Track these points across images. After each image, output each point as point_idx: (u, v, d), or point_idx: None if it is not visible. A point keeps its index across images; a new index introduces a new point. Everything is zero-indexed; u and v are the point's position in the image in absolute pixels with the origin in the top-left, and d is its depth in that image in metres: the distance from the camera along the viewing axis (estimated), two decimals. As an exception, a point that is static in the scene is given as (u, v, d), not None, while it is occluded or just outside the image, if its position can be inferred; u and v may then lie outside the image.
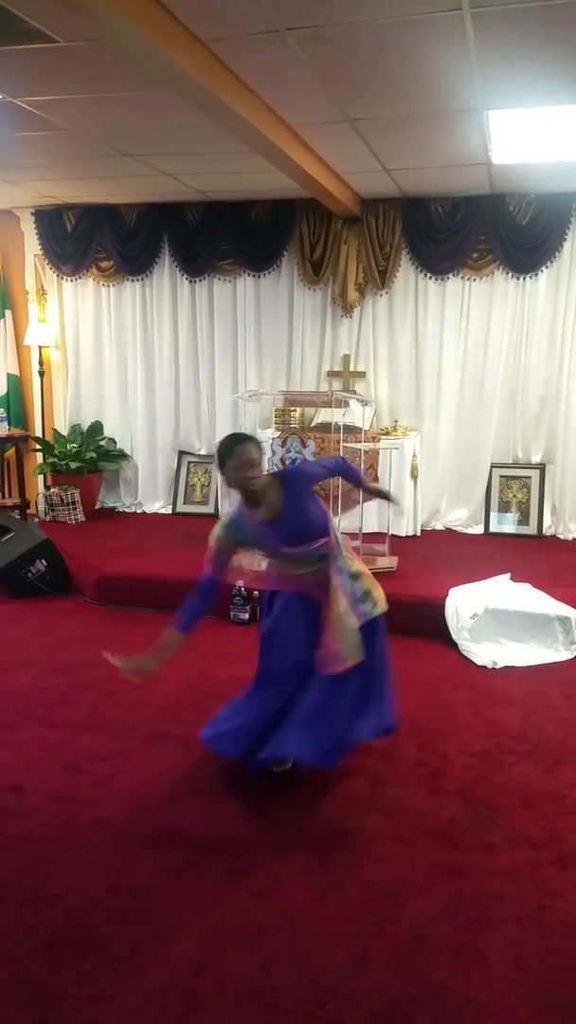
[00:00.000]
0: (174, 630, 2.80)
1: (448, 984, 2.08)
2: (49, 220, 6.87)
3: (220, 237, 6.55)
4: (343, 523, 4.85)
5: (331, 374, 6.67)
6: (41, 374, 7.22)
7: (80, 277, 7.02)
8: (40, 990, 2.06)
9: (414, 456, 6.25)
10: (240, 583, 4.79)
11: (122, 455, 7.20)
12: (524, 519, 6.40)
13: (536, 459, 6.42)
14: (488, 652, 4.32)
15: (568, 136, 4.37)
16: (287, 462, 5.21)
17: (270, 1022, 1.96)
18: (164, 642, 2.79)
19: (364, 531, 5.22)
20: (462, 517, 6.57)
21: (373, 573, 3.08)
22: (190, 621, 2.83)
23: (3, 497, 7.21)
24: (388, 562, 5.11)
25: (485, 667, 4.21)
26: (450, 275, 6.23)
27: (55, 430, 7.21)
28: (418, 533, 6.32)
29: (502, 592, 4.67)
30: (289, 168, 4.69)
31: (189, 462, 7.17)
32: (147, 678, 2.83)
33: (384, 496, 3.47)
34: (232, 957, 2.17)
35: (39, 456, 7.12)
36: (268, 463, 5.28)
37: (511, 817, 2.85)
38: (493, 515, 6.47)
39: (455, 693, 3.89)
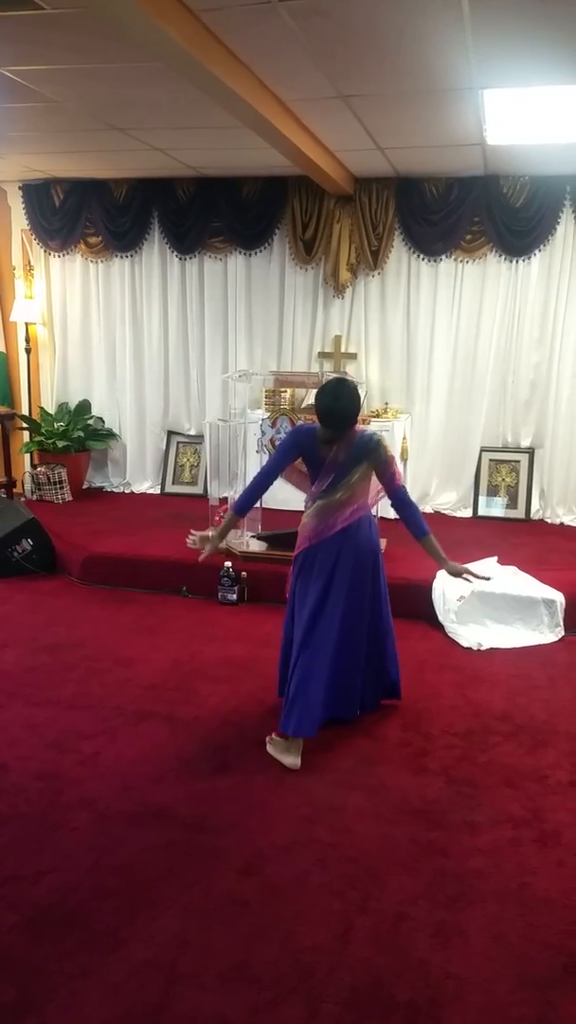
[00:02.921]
0: (231, 512, 3.17)
1: (429, 960, 2.11)
2: (37, 194, 6.77)
3: (211, 214, 6.47)
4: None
5: (322, 355, 6.63)
6: (28, 351, 7.15)
7: (68, 253, 6.93)
8: (23, 966, 2.07)
9: (404, 439, 6.24)
10: (228, 564, 4.80)
11: (110, 434, 7.15)
12: (512, 503, 6.42)
13: (525, 443, 6.43)
14: (474, 634, 4.34)
15: (563, 117, 4.32)
16: (276, 443, 5.19)
17: (252, 997, 1.98)
18: (225, 522, 3.19)
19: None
20: (451, 500, 6.57)
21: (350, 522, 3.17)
22: (245, 505, 3.14)
23: (-10, 475, 7.16)
24: (376, 544, 5.11)
25: (470, 649, 4.23)
26: (443, 256, 6.19)
27: (42, 408, 7.15)
28: (407, 516, 6.32)
29: (489, 575, 4.68)
30: (281, 144, 4.63)
31: (178, 442, 7.14)
32: (209, 552, 3.15)
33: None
34: (215, 933, 2.19)
35: (26, 434, 7.07)
36: (258, 443, 5.27)
37: (493, 796, 2.87)
38: (482, 499, 6.49)
39: (440, 674, 3.91)
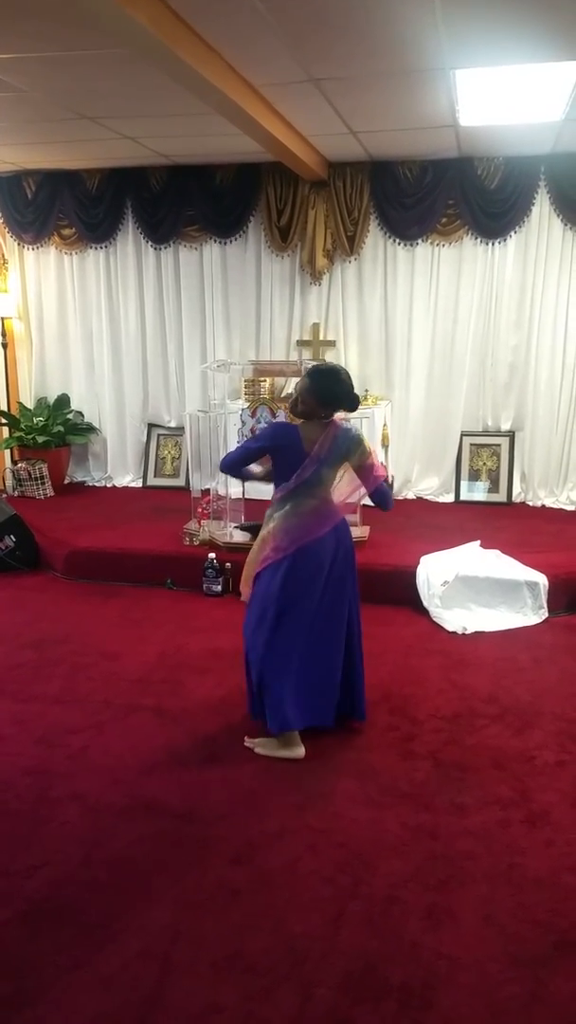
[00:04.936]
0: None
1: (421, 942, 2.12)
2: (8, 187, 6.68)
3: (185, 202, 6.42)
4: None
5: (301, 343, 6.61)
6: (4, 346, 7.07)
7: (42, 245, 6.86)
8: (17, 960, 2.07)
9: (384, 426, 6.24)
10: (212, 555, 4.79)
11: (90, 428, 7.10)
12: (494, 487, 6.44)
13: (506, 427, 6.45)
14: (458, 618, 4.37)
15: (536, 97, 4.32)
16: (256, 432, 5.17)
17: (246, 985, 1.99)
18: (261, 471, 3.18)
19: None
20: (433, 486, 6.59)
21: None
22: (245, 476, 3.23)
23: (-31, 472, 7.10)
24: (360, 531, 5.11)
25: (455, 633, 4.25)
26: (419, 241, 6.18)
27: (20, 403, 7.08)
28: (389, 502, 6.33)
29: (472, 559, 4.71)
30: (253, 131, 4.59)
31: (159, 435, 7.10)
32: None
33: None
34: (208, 923, 2.19)
35: (5, 430, 7.00)
36: (238, 434, 5.25)
37: (481, 778, 2.89)
38: (463, 483, 6.50)
39: (426, 659, 3.93)
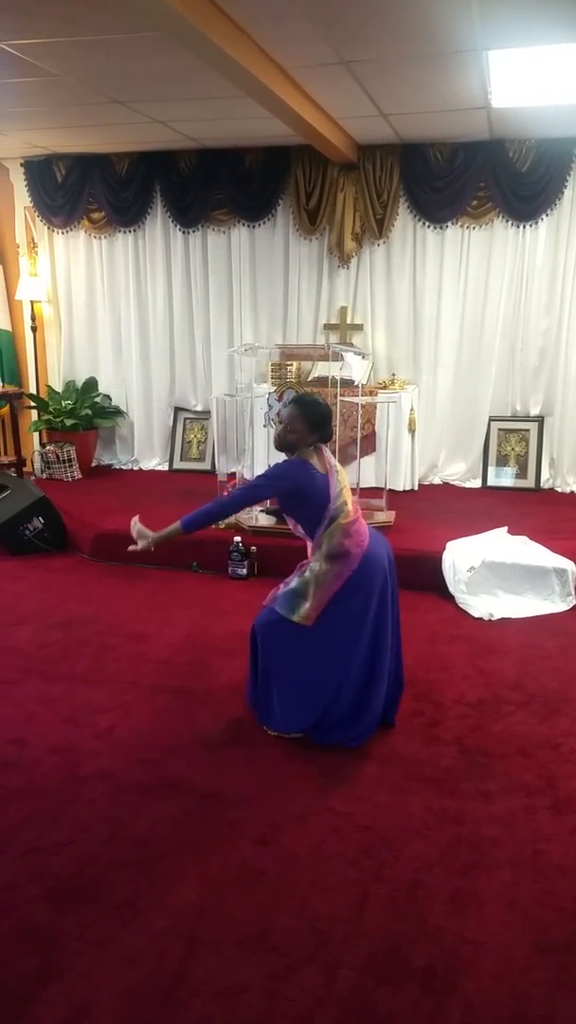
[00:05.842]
0: (179, 526, 2.96)
1: (445, 926, 2.13)
2: (39, 171, 6.71)
3: (213, 186, 6.40)
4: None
5: (328, 327, 6.58)
6: (34, 329, 7.12)
7: (71, 229, 6.88)
8: (45, 935, 2.11)
9: (412, 410, 6.20)
10: (238, 539, 4.80)
11: (117, 412, 7.14)
12: (522, 472, 6.38)
13: (535, 412, 6.37)
14: (485, 604, 4.35)
15: (570, 77, 4.24)
16: (282, 417, 5.16)
17: (270, 964, 2.01)
18: (167, 531, 2.99)
19: (361, 486, 5.20)
20: (460, 471, 6.55)
21: (371, 527, 3.08)
22: (196, 524, 2.95)
23: (-1, 455, 7.19)
24: (386, 516, 5.11)
25: (481, 619, 4.24)
26: (449, 223, 6.11)
27: (49, 387, 7.14)
28: (416, 487, 6.31)
29: (499, 545, 4.68)
30: (283, 113, 4.56)
31: (185, 418, 7.12)
32: (140, 549, 3.06)
33: None
34: (232, 902, 2.22)
35: (34, 413, 7.07)
36: (265, 417, 5.25)
37: (507, 765, 2.89)
38: (491, 469, 6.45)
39: (451, 645, 3.92)
